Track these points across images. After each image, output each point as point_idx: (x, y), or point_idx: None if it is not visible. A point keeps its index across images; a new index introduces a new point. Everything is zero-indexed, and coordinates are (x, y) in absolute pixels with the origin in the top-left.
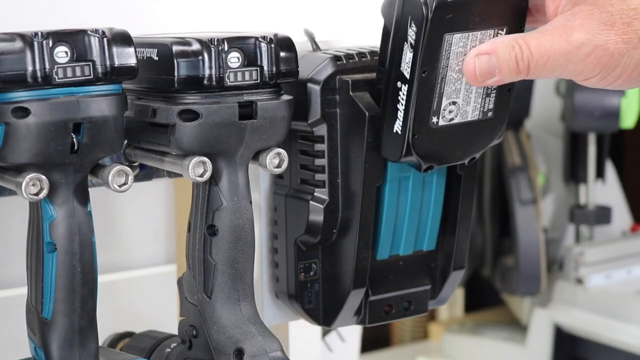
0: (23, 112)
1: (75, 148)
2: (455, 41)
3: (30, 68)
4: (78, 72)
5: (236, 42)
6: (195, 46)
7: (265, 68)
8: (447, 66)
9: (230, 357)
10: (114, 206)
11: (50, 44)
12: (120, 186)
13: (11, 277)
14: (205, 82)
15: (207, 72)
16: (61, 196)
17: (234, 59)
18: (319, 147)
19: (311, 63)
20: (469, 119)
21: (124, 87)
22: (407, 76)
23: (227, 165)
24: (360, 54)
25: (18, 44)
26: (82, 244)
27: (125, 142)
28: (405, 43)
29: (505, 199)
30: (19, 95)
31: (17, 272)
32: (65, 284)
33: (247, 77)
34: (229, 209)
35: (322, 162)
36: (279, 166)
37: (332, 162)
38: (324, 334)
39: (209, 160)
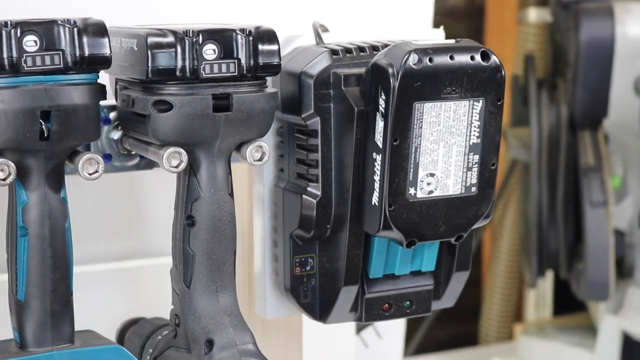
0: None
1: (46, 135)
2: (427, 110)
3: None
4: (47, 61)
5: (212, 35)
6: (169, 38)
7: (243, 60)
8: (421, 136)
9: (202, 347)
10: (141, 193)
11: (19, 34)
12: (90, 174)
13: None
14: (178, 73)
15: (180, 63)
16: (33, 182)
17: (210, 51)
18: (312, 141)
19: (308, 56)
20: (451, 193)
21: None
22: (380, 146)
23: (205, 157)
24: (360, 49)
25: None
26: (53, 229)
27: (121, 131)
28: (378, 113)
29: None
30: None
31: None
32: (36, 268)
33: (223, 69)
34: (206, 200)
35: (316, 156)
36: (260, 159)
37: (326, 156)
38: (359, 329)
39: (184, 152)
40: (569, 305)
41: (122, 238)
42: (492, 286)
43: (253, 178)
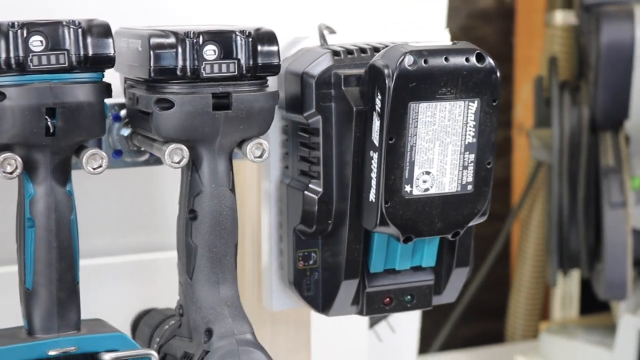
0: (0, 95)
1: (51, 131)
2: (422, 110)
3: (3, 55)
4: (53, 60)
5: (212, 36)
6: (171, 39)
7: (243, 61)
8: (416, 135)
9: (202, 336)
10: (157, 189)
11: (25, 34)
12: (94, 169)
13: None
14: (179, 72)
15: (180, 63)
16: (40, 175)
17: (210, 51)
18: (314, 139)
19: (311, 57)
20: (447, 190)
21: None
22: (377, 144)
23: (206, 153)
24: (361, 50)
25: None
26: (58, 221)
27: (130, 129)
28: (374, 112)
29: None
30: None
31: None
32: (43, 258)
33: (223, 69)
34: (207, 195)
35: (317, 154)
36: (260, 156)
37: (327, 154)
38: (372, 323)
39: (185, 148)
40: (597, 304)
41: (139, 232)
42: (518, 285)
43: (261, 175)
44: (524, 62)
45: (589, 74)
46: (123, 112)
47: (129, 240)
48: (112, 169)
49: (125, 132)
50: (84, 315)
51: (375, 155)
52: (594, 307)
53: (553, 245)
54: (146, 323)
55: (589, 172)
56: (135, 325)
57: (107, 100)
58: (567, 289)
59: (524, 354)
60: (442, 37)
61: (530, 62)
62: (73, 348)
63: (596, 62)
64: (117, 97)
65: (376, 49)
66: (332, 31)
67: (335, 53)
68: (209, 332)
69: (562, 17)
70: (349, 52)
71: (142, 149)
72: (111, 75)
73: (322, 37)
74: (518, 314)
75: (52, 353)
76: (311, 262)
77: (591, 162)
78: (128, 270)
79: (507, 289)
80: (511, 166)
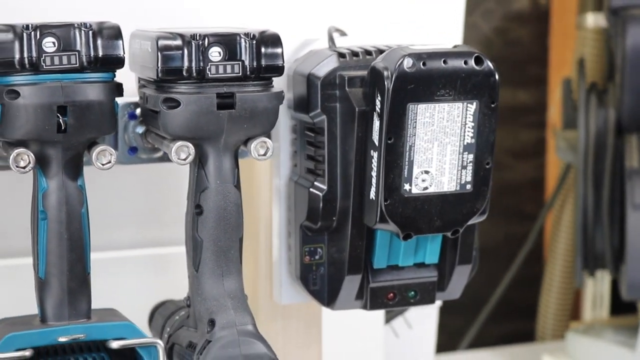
0: (14, 94)
1: (63, 128)
2: (421, 111)
3: (17, 56)
4: (64, 60)
5: (218, 38)
6: (178, 41)
7: (247, 62)
8: (415, 135)
9: (205, 326)
10: (173, 184)
11: (38, 36)
12: (103, 164)
13: None
14: (185, 73)
15: (186, 64)
16: (52, 170)
17: (215, 53)
18: (319, 138)
19: (317, 58)
20: (445, 189)
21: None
22: (377, 144)
23: (212, 151)
24: (367, 52)
25: (9, 35)
26: (69, 214)
27: (145, 127)
28: (375, 113)
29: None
30: (12, 79)
31: None
32: (54, 249)
33: (228, 70)
34: (212, 191)
35: (322, 152)
36: (264, 154)
37: (331, 153)
38: (389, 318)
39: (191, 145)
40: (629, 305)
41: (159, 226)
42: (549, 285)
43: (272, 172)
44: (558, 64)
45: (616, 76)
46: (138, 111)
47: (149, 233)
48: (128, 165)
49: (140, 129)
50: (104, 305)
51: (375, 155)
52: (626, 308)
53: (578, 246)
54: (160, 314)
55: (614, 174)
56: (152, 316)
57: (124, 99)
58: (597, 290)
59: (551, 354)
60: (450, 40)
61: (564, 64)
62: (82, 335)
63: (622, 64)
64: (134, 96)
65: (381, 51)
66: (343, 33)
67: (341, 55)
68: (212, 323)
69: (593, 20)
70: (355, 54)
71: (156, 146)
72: (127, 75)
73: (331, 39)
74: (548, 314)
75: (61, 340)
76: (317, 257)
77: (616, 164)
78: (149, 263)
79: (539, 288)
80: (545, 167)
